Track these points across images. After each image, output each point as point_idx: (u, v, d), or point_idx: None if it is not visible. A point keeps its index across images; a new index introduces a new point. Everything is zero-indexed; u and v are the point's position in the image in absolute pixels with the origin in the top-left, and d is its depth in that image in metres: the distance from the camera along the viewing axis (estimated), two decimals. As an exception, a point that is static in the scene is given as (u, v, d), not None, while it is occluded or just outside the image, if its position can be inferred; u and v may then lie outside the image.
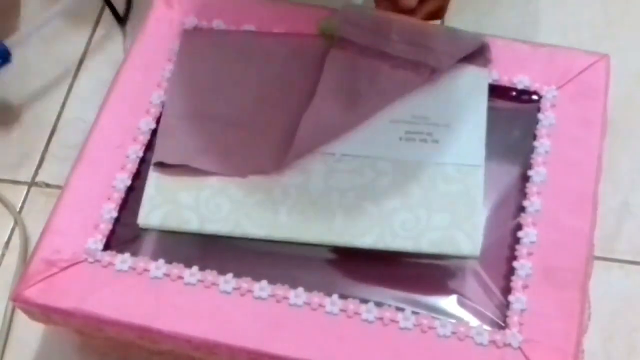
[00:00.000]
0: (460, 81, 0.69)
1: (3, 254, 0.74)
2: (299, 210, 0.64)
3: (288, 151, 0.66)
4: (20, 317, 0.67)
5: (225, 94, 0.70)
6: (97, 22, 0.86)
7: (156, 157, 0.66)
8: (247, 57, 0.72)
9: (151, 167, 0.66)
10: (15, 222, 0.75)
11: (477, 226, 0.63)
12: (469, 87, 0.69)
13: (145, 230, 0.64)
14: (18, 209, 0.76)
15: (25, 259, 0.71)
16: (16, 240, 0.74)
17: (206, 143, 0.67)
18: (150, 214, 0.64)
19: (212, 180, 0.65)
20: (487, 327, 0.59)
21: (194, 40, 0.73)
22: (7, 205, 0.76)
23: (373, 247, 0.62)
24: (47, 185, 0.76)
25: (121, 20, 0.86)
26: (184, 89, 0.70)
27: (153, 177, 0.66)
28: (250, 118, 0.68)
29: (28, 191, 0.77)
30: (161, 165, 0.66)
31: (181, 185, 0.65)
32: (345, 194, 0.65)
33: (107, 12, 0.86)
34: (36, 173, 0.77)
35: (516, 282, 0.61)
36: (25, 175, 0.77)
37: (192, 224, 0.64)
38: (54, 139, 0.79)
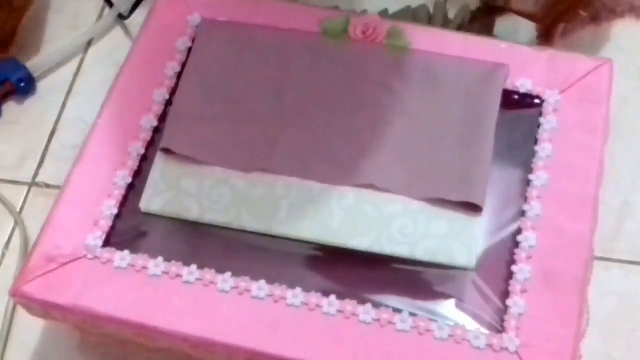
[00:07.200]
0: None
1: (3, 254, 0.76)
2: (298, 206, 0.66)
3: (295, 152, 0.68)
4: (21, 316, 0.70)
5: (239, 89, 0.72)
6: (97, 21, 0.88)
7: (164, 142, 0.69)
8: (263, 52, 0.74)
9: (158, 152, 0.69)
10: (15, 222, 0.77)
11: (474, 237, 0.64)
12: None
13: (145, 226, 0.66)
14: (18, 209, 0.78)
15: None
16: (16, 240, 0.76)
17: (214, 136, 0.69)
18: (152, 199, 0.67)
19: (216, 170, 0.68)
20: (484, 331, 0.61)
21: (211, 31, 0.75)
22: (7, 205, 0.78)
23: (368, 249, 0.64)
24: (47, 186, 0.79)
25: (123, 17, 0.87)
26: (198, 78, 0.72)
27: (159, 162, 0.68)
28: (260, 114, 0.70)
29: (28, 191, 0.79)
30: (167, 151, 0.69)
31: (185, 172, 0.68)
32: (346, 194, 0.67)
33: (108, 10, 0.88)
34: (36, 173, 0.80)
35: (514, 286, 0.63)
36: (25, 175, 0.79)
37: (193, 212, 0.66)
38: (54, 139, 0.82)
